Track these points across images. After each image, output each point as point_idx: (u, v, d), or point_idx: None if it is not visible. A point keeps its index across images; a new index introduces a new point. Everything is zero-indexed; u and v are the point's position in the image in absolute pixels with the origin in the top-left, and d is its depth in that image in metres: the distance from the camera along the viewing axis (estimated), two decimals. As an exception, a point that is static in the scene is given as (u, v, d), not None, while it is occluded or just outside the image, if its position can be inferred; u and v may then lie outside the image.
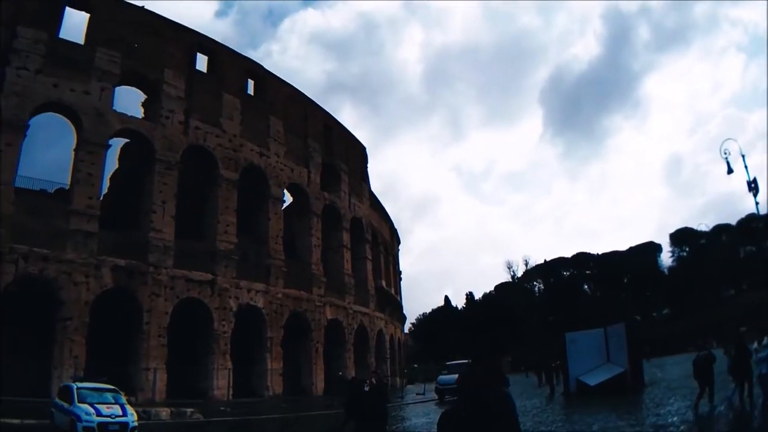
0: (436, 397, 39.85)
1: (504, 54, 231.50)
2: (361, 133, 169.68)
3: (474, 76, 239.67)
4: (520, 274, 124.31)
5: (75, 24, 34.98)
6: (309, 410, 31.49)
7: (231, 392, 34.59)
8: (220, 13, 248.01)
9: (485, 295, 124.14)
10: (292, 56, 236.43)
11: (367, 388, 16.89)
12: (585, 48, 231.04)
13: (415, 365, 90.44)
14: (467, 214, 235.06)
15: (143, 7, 36.94)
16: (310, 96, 48.02)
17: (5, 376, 27.30)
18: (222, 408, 30.08)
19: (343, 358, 45.94)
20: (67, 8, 34.21)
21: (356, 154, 54.75)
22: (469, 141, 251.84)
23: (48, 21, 32.91)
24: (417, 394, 47.34)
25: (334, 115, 51.56)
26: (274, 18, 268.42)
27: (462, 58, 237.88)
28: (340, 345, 45.92)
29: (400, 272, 70.58)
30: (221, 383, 34.47)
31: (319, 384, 41.87)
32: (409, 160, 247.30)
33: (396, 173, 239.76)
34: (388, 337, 56.92)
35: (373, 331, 51.70)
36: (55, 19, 33.28)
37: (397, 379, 59.88)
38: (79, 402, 17.87)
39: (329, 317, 44.07)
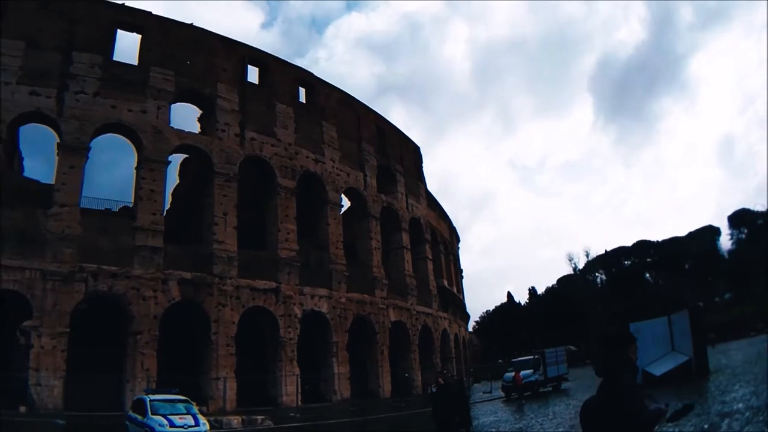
0: (503, 395, 38.73)
1: (550, 44, 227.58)
2: (413, 133, 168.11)
3: (522, 69, 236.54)
4: (581, 265, 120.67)
5: (127, 46, 35.57)
6: (377, 413, 31.00)
7: (300, 398, 34.29)
8: (266, 24, 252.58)
9: (548, 290, 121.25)
10: (339, 62, 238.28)
11: (434, 389, 16.11)
12: (630, 33, 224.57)
13: (500, 360, 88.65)
14: (524, 208, 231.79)
15: (192, 24, 37.20)
16: (360, 99, 47.52)
17: (80, 392, 27.77)
18: (291, 414, 29.94)
19: (408, 360, 45.11)
20: (119, 31, 34.77)
21: (410, 154, 53.87)
22: (522, 134, 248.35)
23: (101, 45, 33.53)
24: (484, 392, 46.35)
25: (385, 117, 50.80)
26: (318, 25, 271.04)
27: (508, 51, 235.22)
28: (405, 347, 45.04)
29: (461, 270, 69.24)
30: (290, 389, 34.22)
31: (387, 386, 41.14)
32: (463, 156, 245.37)
33: (450, 171, 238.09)
34: (452, 337, 55.77)
35: (437, 331, 50.68)
36: (108, 43, 33.88)
37: (464, 379, 58.52)
38: (152, 414, 17.98)
39: (393, 319, 43.30)
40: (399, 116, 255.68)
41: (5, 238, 28.77)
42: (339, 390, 36.96)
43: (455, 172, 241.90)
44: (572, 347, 74.83)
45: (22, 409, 26.53)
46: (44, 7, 33.05)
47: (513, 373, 37.95)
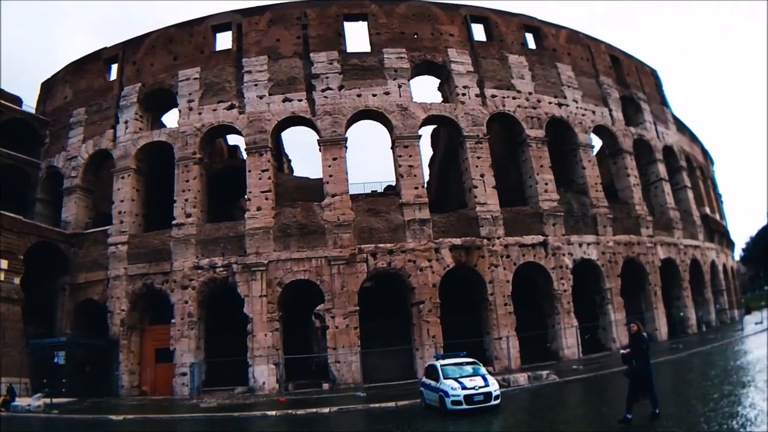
0: None
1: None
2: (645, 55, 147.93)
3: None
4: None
5: (357, 35, 35.84)
6: (657, 357, 27.72)
7: (580, 349, 32.10)
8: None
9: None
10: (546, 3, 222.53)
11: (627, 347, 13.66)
12: None
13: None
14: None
15: (409, -4, 36.28)
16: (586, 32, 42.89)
17: (374, 364, 28.83)
18: (574, 366, 28.26)
19: (681, 298, 40.34)
20: (346, 23, 35.32)
21: (649, 79, 47.72)
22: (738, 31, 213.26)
23: (334, 41, 34.42)
24: (756, 323, 40.75)
25: (616, 46, 45.41)
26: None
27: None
28: (676, 284, 40.32)
29: (720, 195, 60.77)
30: (570, 342, 32.31)
31: (663, 328, 37.24)
32: (694, 70, 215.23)
33: (686, 87, 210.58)
34: (720, 268, 49.23)
35: (705, 264, 44.79)
36: (339, 37, 34.65)
37: (735, 312, 51.75)
38: (444, 378, 17.73)
39: (662, 257, 38.80)
40: (629, 42, 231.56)
41: (290, 234, 30.58)
42: (617, 337, 34.09)
43: (690, 87, 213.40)
44: None
45: (325, 386, 28.33)
46: (276, 21, 34.71)
47: None
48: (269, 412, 21.27)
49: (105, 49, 38.52)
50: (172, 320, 30.36)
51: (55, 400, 25.61)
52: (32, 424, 22.26)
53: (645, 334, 13.17)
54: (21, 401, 25.35)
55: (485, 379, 17.58)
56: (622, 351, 13.63)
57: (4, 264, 30.49)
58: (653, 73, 48.83)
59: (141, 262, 31.81)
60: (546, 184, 34.18)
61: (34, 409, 24.39)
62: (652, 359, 25.80)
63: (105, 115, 35.91)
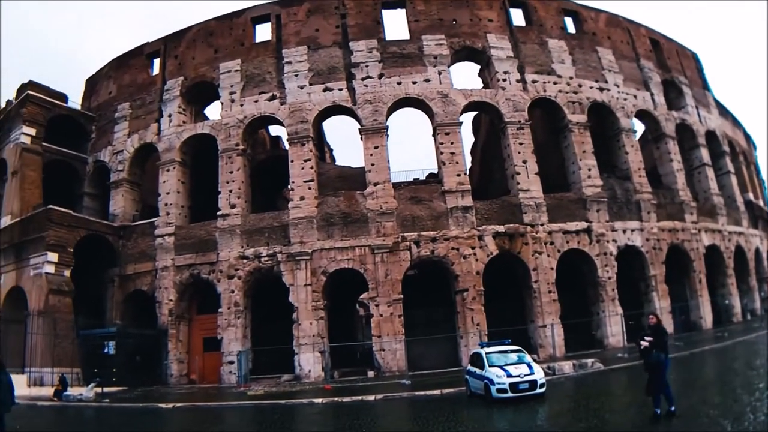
0: None
1: None
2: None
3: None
4: None
5: (395, 23, 35.57)
6: (702, 345, 27.36)
7: (626, 337, 31.39)
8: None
9: None
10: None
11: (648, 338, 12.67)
12: None
13: None
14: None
15: (449, -18, 35.91)
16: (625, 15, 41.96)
17: (419, 352, 28.50)
18: (619, 354, 27.56)
19: (726, 286, 39.26)
20: (384, 11, 35.16)
21: (690, 62, 46.54)
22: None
23: (372, 29, 34.30)
24: None
25: (656, 29, 44.32)
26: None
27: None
28: (720, 272, 39.23)
29: (763, 181, 58.91)
30: (615, 330, 31.70)
31: (708, 317, 36.25)
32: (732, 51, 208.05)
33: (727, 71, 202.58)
34: (765, 255, 47.72)
35: (750, 251, 43.54)
36: (377, 25, 34.51)
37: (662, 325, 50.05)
38: (489, 366, 17.41)
39: (706, 244, 37.78)
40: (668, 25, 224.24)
41: (334, 223, 30.50)
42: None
43: (732, 71, 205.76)
44: None
45: (371, 374, 28.26)
46: (315, 11, 34.75)
47: None
48: (316, 400, 21.28)
49: (147, 44, 39.03)
50: (219, 309, 30.63)
51: (105, 390, 26.01)
52: (85, 412, 22.59)
53: (664, 326, 12.57)
54: (73, 391, 25.78)
55: (530, 367, 17.25)
56: (641, 344, 12.62)
57: (55, 257, 31.06)
58: (694, 57, 47.54)
59: (188, 252, 32.16)
60: (589, 169, 33.52)
61: (86, 398, 24.74)
62: (697, 348, 25.48)
63: (149, 109, 36.39)
